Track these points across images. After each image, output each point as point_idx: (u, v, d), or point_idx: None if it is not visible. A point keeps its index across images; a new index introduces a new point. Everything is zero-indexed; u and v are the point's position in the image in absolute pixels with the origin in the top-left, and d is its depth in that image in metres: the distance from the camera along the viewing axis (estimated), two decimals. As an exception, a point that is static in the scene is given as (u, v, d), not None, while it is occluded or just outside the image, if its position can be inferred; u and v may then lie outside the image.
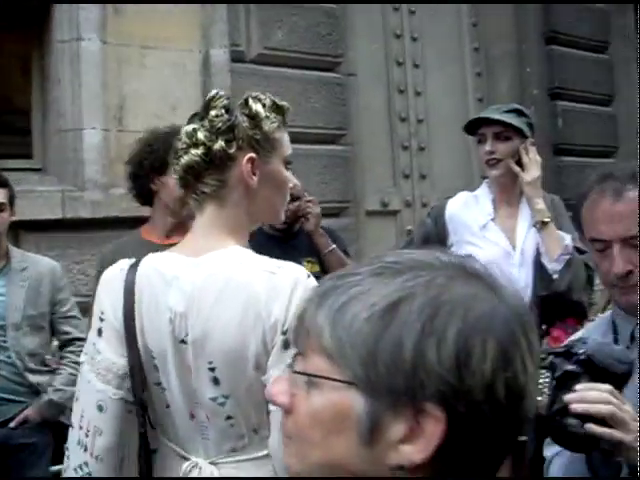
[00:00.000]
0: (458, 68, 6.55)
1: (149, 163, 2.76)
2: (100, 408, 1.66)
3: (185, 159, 1.68)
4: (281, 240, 3.77)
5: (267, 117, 1.72)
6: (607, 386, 1.39)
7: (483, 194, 3.14)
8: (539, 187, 3.04)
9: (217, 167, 1.68)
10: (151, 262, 1.71)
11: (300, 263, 3.32)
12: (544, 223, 2.93)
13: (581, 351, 1.45)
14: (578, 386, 1.43)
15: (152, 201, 2.88)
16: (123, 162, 3.10)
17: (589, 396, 1.40)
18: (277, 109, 1.77)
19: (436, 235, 3.08)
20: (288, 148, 1.78)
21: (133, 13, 4.38)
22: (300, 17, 5.08)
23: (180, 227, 2.83)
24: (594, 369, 1.41)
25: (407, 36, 6.16)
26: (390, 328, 0.74)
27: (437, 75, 6.30)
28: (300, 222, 3.87)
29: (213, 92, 1.76)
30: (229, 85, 4.63)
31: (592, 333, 1.69)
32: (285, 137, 1.78)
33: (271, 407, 1.50)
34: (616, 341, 1.64)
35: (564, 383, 1.45)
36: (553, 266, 2.87)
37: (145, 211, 3.07)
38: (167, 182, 2.73)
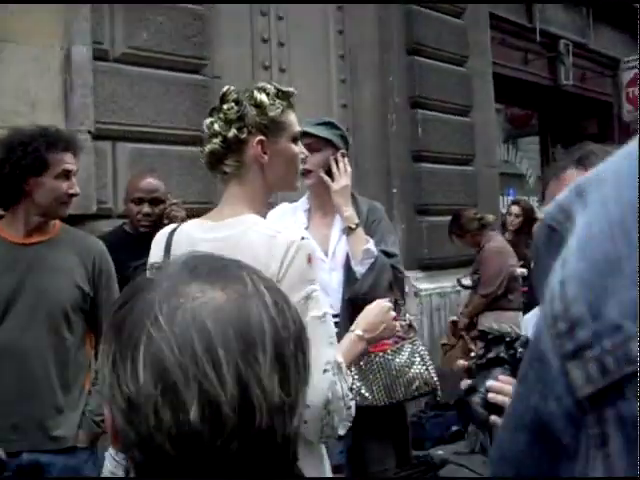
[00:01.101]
0: (323, 74, 6.71)
1: (27, 163, 2.68)
2: None
3: (208, 147, 2.01)
4: (145, 239, 3.80)
5: (272, 104, 2.01)
6: None
7: (301, 205, 3.26)
8: (347, 195, 3.15)
9: (234, 151, 2.00)
10: (185, 227, 2.09)
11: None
12: (351, 229, 3.09)
13: (511, 339, 1.58)
14: (502, 377, 1.55)
15: (15, 202, 2.79)
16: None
17: (507, 389, 1.52)
18: (282, 95, 2.05)
19: None
20: (295, 126, 2.07)
21: (-9, 5, 4.29)
22: (167, 17, 5.08)
23: (42, 226, 2.84)
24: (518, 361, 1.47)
25: (274, 41, 6.26)
26: None
27: (303, 80, 6.40)
28: (165, 225, 3.93)
29: (225, 88, 2.06)
30: (91, 84, 4.60)
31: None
32: (291, 117, 2.06)
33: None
34: None
35: (490, 366, 1.58)
36: (358, 269, 3.06)
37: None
38: (44, 182, 2.72)
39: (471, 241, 5.89)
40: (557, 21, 9.81)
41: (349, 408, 1.87)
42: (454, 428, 6.09)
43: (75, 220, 4.49)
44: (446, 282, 6.68)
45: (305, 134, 3.04)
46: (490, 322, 5.46)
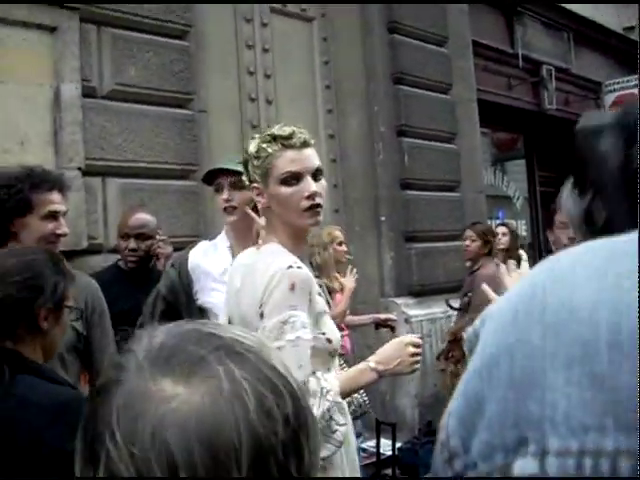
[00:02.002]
0: (310, 104, 6.79)
1: (11, 205, 2.70)
2: None
3: None
4: (136, 275, 3.88)
5: (259, 152, 2.16)
6: None
7: (221, 242, 3.25)
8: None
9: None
10: (239, 255, 2.41)
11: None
12: None
13: None
14: None
15: (1, 244, 2.75)
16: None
17: None
18: (274, 139, 2.15)
19: (180, 285, 3.18)
20: (284, 168, 2.15)
21: (-19, 45, 4.35)
22: (153, 54, 5.14)
23: None
24: None
25: (260, 72, 6.34)
26: None
27: (289, 111, 6.49)
28: (153, 259, 3.98)
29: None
30: (80, 120, 4.65)
31: None
32: (282, 159, 2.15)
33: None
34: None
35: None
36: None
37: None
38: (29, 222, 2.71)
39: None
40: (539, 47, 9.95)
41: (334, 432, 1.96)
42: (447, 454, 6.09)
43: (65, 256, 4.52)
44: (436, 308, 6.72)
45: (230, 171, 3.07)
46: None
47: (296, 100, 6.61)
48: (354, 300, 5.45)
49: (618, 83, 11.32)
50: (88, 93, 4.77)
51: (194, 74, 5.41)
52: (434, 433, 6.25)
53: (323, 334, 2.12)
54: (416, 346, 2.19)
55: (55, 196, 2.79)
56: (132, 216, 3.96)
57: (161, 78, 5.16)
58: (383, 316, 5.50)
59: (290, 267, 2.04)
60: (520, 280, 0.74)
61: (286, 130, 2.15)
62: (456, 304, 6.13)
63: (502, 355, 0.69)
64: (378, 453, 5.40)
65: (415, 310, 6.75)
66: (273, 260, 2.08)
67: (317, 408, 1.94)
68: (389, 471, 5.38)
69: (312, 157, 2.18)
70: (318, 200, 2.16)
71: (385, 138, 6.89)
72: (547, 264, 0.72)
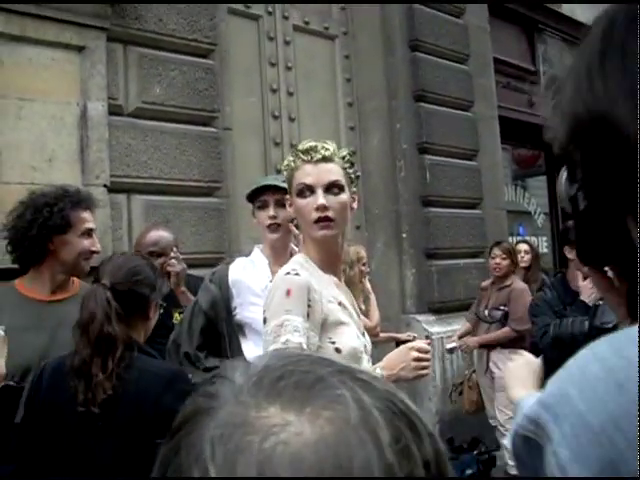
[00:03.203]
0: (332, 122, 6.85)
1: (53, 223, 2.81)
2: None
3: None
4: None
5: (287, 165, 2.30)
6: None
7: (258, 259, 3.27)
8: None
9: None
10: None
11: (171, 313, 3.48)
12: None
13: None
14: None
15: (39, 262, 2.88)
16: (-2, 213, 3.12)
17: None
18: (295, 154, 2.29)
19: (222, 299, 3.20)
20: (299, 180, 2.26)
21: (11, 64, 4.40)
22: (178, 72, 5.21)
23: (65, 283, 2.94)
24: None
25: (283, 90, 6.40)
26: None
27: (312, 128, 6.54)
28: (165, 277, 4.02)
29: None
30: (106, 138, 4.71)
31: None
32: (300, 172, 2.26)
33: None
34: None
35: None
36: None
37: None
38: (69, 240, 2.84)
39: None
40: (560, 64, 9.95)
41: None
42: (469, 471, 6.10)
43: (92, 272, 4.59)
44: (457, 325, 6.72)
45: (276, 189, 3.13)
46: (503, 359, 5.54)
47: (318, 117, 6.67)
48: (375, 317, 5.46)
49: None
50: (114, 111, 4.84)
51: (218, 92, 5.47)
52: (455, 450, 6.26)
53: (332, 343, 2.15)
54: (424, 352, 2.20)
55: (89, 214, 2.93)
56: (146, 234, 3.99)
57: (186, 96, 5.22)
58: (403, 336, 5.55)
59: (288, 274, 2.16)
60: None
61: (306, 145, 2.27)
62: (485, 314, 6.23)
63: (622, 417, 0.63)
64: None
65: (436, 327, 6.76)
66: (279, 271, 2.24)
67: None
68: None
69: (328, 171, 2.24)
70: (327, 213, 2.22)
71: (407, 155, 6.92)
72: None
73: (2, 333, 1.85)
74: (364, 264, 5.22)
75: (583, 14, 10.39)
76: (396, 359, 2.18)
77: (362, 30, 7.03)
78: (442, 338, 6.70)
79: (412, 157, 6.96)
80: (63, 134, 4.58)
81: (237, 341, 3.13)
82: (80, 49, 4.68)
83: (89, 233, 2.91)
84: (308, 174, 2.23)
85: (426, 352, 2.21)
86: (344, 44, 7.01)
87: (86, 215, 2.90)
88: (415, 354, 2.17)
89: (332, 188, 2.24)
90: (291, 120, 6.42)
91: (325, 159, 2.23)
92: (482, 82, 7.78)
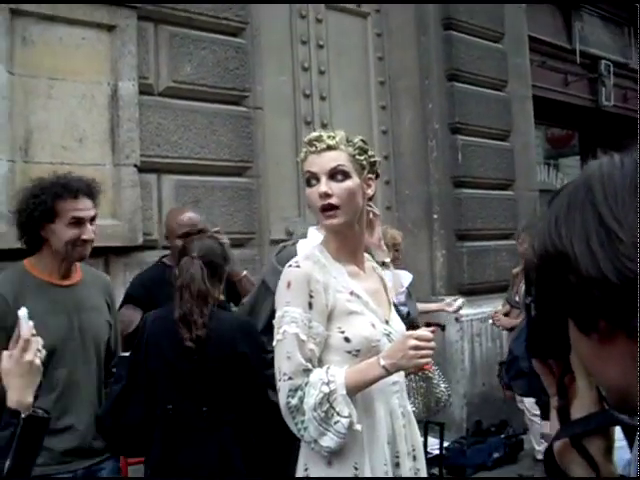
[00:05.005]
0: (364, 101, 6.79)
1: (37, 214, 2.84)
2: None
3: None
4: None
5: (300, 157, 2.31)
6: None
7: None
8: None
9: None
10: None
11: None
12: (385, 263, 3.23)
13: None
14: None
15: (41, 247, 2.95)
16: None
17: None
18: (305, 144, 2.30)
19: None
20: (305, 169, 2.28)
21: (41, 44, 4.41)
22: (209, 51, 5.19)
23: (70, 268, 2.98)
24: None
25: (315, 69, 6.36)
26: None
27: (343, 107, 6.50)
28: None
29: None
30: (137, 118, 4.71)
31: None
32: (307, 162, 2.28)
33: None
34: None
35: None
36: (400, 299, 3.29)
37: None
38: (56, 229, 2.85)
39: None
40: (597, 42, 9.78)
41: (335, 423, 2.04)
42: (496, 455, 6.08)
43: (122, 251, 4.62)
44: (487, 307, 6.67)
45: None
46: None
47: (350, 96, 6.61)
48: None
49: (678, 79, 11.05)
50: (145, 90, 4.83)
51: (249, 71, 5.44)
52: (482, 433, 6.24)
53: (342, 332, 2.16)
54: (425, 340, 2.15)
55: (81, 203, 2.90)
56: (184, 215, 4.01)
57: (217, 75, 5.20)
58: (450, 308, 5.65)
59: (290, 266, 2.20)
60: None
61: (313, 135, 2.29)
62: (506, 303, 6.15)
63: None
64: (426, 452, 5.39)
65: (465, 309, 6.70)
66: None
67: (313, 398, 2.05)
68: (436, 470, 5.37)
69: (332, 159, 2.23)
70: (330, 200, 2.21)
71: (439, 135, 6.86)
72: None
73: (28, 323, 1.84)
74: (397, 250, 5.19)
75: (622, -9, 10.18)
76: (396, 348, 2.15)
77: (395, 8, 6.94)
78: (471, 320, 6.67)
79: (444, 137, 6.89)
80: (94, 114, 4.58)
81: None
82: (111, 28, 4.68)
83: (80, 221, 2.88)
84: (312, 163, 2.25)
85: (427, 340, 2.17)
86: (376, 22, 6.93)
87: (75, 204, 2.87)
88: (413, 342, 2.13)
89: (336, 175, 2.23)
90: (322, 99, 6.37)
91: (330, 147, 2.24)
92: (517, 61, 7.67)
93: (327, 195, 2.20)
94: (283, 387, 2.09)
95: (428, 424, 5.42)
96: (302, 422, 2.06)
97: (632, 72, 10.52)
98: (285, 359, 2.10)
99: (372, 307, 2.28)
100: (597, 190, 0.82)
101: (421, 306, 5.32)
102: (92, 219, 2.94)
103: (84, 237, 2.89)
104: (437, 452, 5.45)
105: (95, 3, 4.59)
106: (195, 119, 5.04)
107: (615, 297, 0.76)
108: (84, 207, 2.91)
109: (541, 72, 8.57)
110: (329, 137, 2.25)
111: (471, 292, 6.84)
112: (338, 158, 2.23)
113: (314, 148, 2.25)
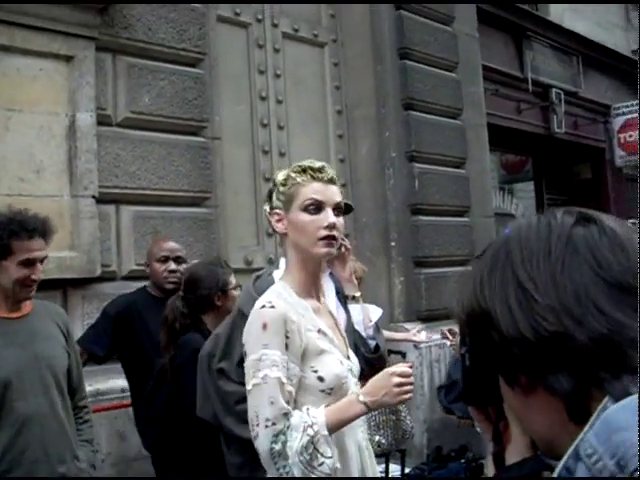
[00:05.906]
0: (321, 130, 6.84)
1: None
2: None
3: None
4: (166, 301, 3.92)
5: (287, 180, 2.27)
6: None
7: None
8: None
9: (271, 224, 2.35)
10: None
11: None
12: (355, 297, 3.26)
13: None
14: None
15: None
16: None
17: None
18: (304, 170, 2.26)
19: None
20: (308, 195, 2.23)
21: (-1, 75, 4.40)
22: (167, 81, 5.19)
23: (20, 302, 2.97)
24: None
25: (272, 98, 6.39)
26: None
27: (301, 136, 6.55)
28: None
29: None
30: (95, 149, 4.69)
31: None
32: (308, 188, 2.24)
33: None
34: None
35: None
36: (369, 333, 3.21)
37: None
38: (7, 267, 2.85)
39: None
40: (548, 71, 10.00)
41: (320, 464, 2.03)
42: None
43: (80, 283, 4.57)
44: (445, 333, 6.71)
45: None
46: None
47: (307, 125, 6.66)
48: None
49: (627, 107, 11.35)
50: (103, 121, 4.82)
51: (208, 101, 5.45)
52: (443, 459, 6.26)
53: (315, 372, 2.16)
54: (406, 376, 2.18)
55: (35, 243, 2.89)
56: (166, 242, 4.18)
57: (175, 106, 5.20)
58: (416, 338, 5.65)
59: (263, 307, 2.15)
60: None
61: (317, 164, 2.27)
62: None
63: None
64: (387, 479, 5.40)
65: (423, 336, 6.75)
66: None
67: (297, 441, 2.02)
68: (398, 498, 5.38)
69: (335, 193, 2.27)
70: (335, 233, 2.22)
71: (395, 163, 6.92)
72: None
73: None
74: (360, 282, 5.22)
75: (571, 22, 10.45)
76: (378, 385, 2.16)
77: (351, 38, 7.03)
78: (430, 347, 6.71)
79: (401, 165, 6.95)
80: (51, 145, 4.55)
81: None
82: (68, 59, 4.66)
83: (32, 262, 2.88)
84: (318, 191, 2.23)
85: (408, 376, 2.19)
86: (333, 52, 7.01)
87: (30, 244, 2.87)
88: (397, 379, 2.15)
89: (337, 209, 2.26)
90: (280, 128, 6.41)
91: (332, 181, 2.27)
92: (471, 90, 7.79)
93: (334, 227, 2.23)
94: (266, 433, 2.03)
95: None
96: (284, 467, 2.03)
97: (582, 100, 10.78)
98: (268, 404, 2.05)
99: (336, 343, 2.29)
100: (515, 253, 0.89)
101: (386, 334, 5.34)
102: (42, 259, 2.95)
103: (33, 277, 2.90)
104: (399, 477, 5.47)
105: (52, 33, 4.56)
106: (153, 150, 5.03)
107: (533, 354, 0.83)
108: (38, 247, 2.91)
109: (495, 100, 8.73)
110: (330, 169, 2.30)
111: (429, 318, 6.89)
112: (339, 193, 2.29)
113: (319, 176, 2.24)
